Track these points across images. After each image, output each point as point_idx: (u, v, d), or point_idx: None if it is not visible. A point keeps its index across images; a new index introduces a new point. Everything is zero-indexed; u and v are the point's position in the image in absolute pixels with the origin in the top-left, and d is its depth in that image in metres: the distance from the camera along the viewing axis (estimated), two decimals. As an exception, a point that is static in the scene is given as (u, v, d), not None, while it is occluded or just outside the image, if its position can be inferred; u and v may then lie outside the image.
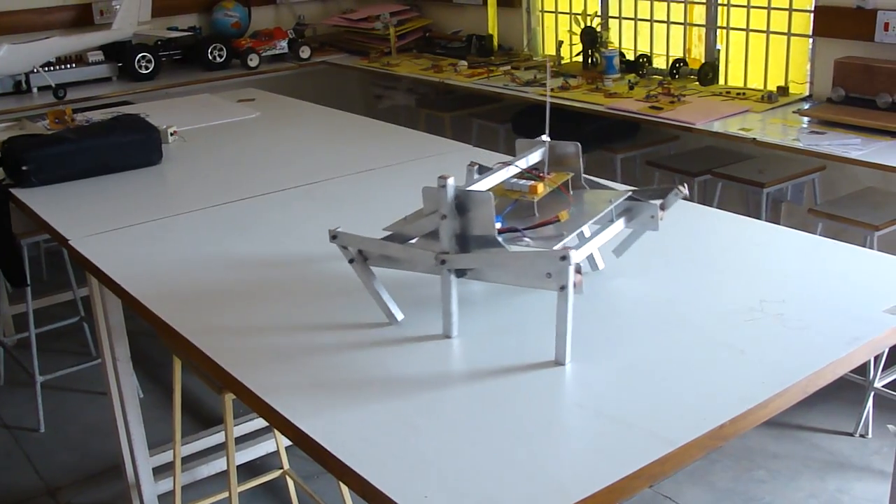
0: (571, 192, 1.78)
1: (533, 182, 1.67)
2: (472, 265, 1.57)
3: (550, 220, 1.64)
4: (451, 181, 1.54)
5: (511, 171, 1.72)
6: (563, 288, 1.46)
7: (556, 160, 1.81)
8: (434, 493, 1.19)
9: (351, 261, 1.69)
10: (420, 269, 1.63)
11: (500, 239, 1.54)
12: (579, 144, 1.80)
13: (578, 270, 1.47)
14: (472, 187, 1.60)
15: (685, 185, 1.79)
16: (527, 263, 1.51)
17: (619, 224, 1.76)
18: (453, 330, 1.61)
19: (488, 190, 1.61)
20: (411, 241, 1.66)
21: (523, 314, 1.69)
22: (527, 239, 1.62)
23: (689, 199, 1.91)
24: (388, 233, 1.70)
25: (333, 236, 1.68)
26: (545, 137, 1.82)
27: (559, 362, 1.50)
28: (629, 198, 1.77)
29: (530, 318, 1.67)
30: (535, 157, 1.80)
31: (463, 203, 1.55)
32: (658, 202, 1.77)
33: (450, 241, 1.56)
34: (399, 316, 1.69)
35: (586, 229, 1.75)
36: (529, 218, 1.68)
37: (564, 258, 1.44)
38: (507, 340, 1.60)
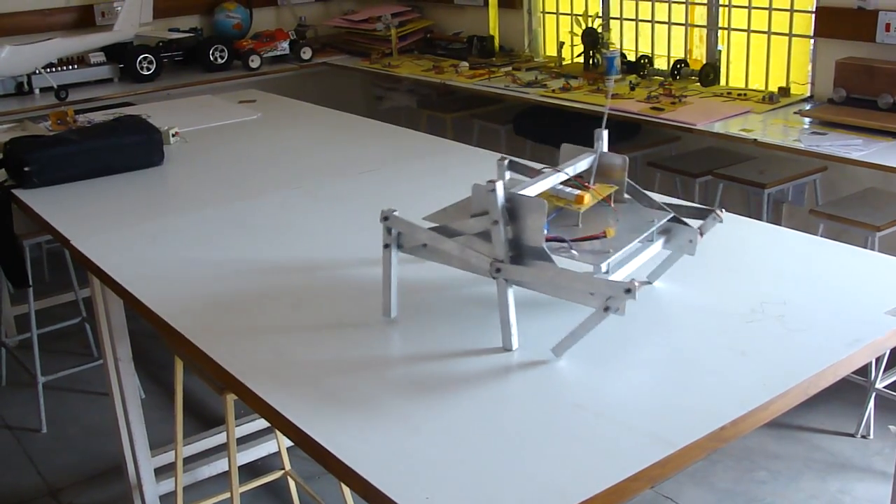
0: (614, 206, 1.75)
1: (580, 192, 1.65)
2: (527, 279, 1.56)
3: (597, 235, 1.63)
4: (500, 184, 1.51)
5: (559, 177, 1.70)
6: (607, 310, 1.46)
7: (603, 171, 1.77)
8: (435, 494, 1.19)
9: (387, 245, 1.68)
10: (457, 265, 1.63)
11: (547, 250, 1.52)
12: (627, 158, 1.77)
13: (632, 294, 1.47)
14: (523, 192, 1.57)
15: (723, 210, 1.77)
16: (588, 287, 1.49)
17: (658, 246, 1.73)
18: (514, 342, 1.57)
19: (537, 196, 1.59)
20: (459, 237, 1.64)
21: (520, 313, 1.69)
22: (573, 251, 1.60)
23: (691, 199, 1.91)
24: (431, 223, 1.69)
25: (385, 217, 1.67)
26: (604, 146, 1.79)
27: (557, 356, 1.51)
28: (669, 218, 1.75)
29: (524, 319, 1.67)
30: (582, 166, 1.76)
31: (514, 208, 1.53)
32: (695, 224, 1.74)
33: (504, 248, 1.54)
34: (394, 313, 1.69)
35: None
36: (573, 227, 1.67)
37: (629, 291, 1.43)
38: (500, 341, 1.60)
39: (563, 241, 1.61)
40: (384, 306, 1.70)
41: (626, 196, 1.78)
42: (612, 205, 1.74)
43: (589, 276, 1.52)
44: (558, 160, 1.77)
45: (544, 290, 1.57)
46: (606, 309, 1.46)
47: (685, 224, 1.74)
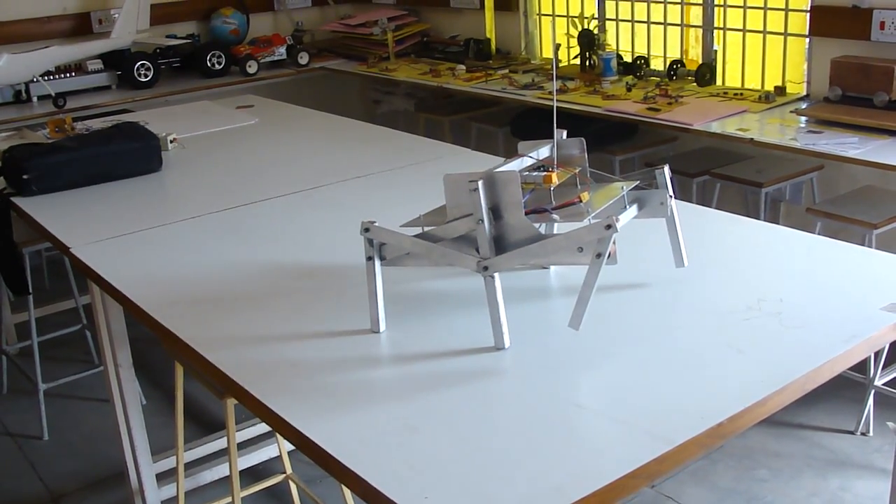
0: (578, 185, 1.78)
1: (547, 172, 1.68)
2: (515, 262, 1.58)
3: (573, 200, 1.65)
4: (482, 182, 1.53)
5: (525, 162, 1.74)
6: (598, 256, 1.49)
7: (563, 159, 1.82)
8: (434, 493, 1.20)
9: (370, 258, 1.67)
10: (443, 263, 1.64)
11: (528, 220, 1.55)
12: (584, 140, 1.81)
13: (613, 241, 1.51)
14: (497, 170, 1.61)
15: (666, 166, 1.80)
16: (571, 241, 1.52)
17: (633, 210, 1.76)
18: (505, 341, 1.58)
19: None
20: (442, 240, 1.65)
21: (519, 311, 1.70)
22: (554, 216, 1.63)
23: (688, 199, 1.92)
24: (415, 229, 1.69)
25: (366, 229, 1.66)
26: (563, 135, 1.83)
27: (573, 327, 1.51)
28: (637, 187, 1.79)
29: (525, 313, 1.68)
30: (543, 153, 1.80)
31: (490, 187, 1.55)
32: (665, 189, 1.78)
33: (488, 245, 1.55)
34: (382, 327, 1.68)
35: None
36: (548, 205, 1.68)
37: (609, 227, 1.47)
38: (512, 342, 1.60)
39: (542, 210, 1.63)
40: (372, 321, 1.69)
41: (589, 178, 1.82)
42: (579, 186, 1.78)
43: (569, 231, 1.54)
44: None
45: (536, 264, 1.59)
46: (599, 255, 1.48)
47: (653, 189, 1.78)
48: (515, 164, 1.73)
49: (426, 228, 1.67)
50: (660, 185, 1.78)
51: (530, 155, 1.75)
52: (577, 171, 1.78)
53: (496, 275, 1.56)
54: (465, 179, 1.56)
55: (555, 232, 1.74)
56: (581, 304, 1.51)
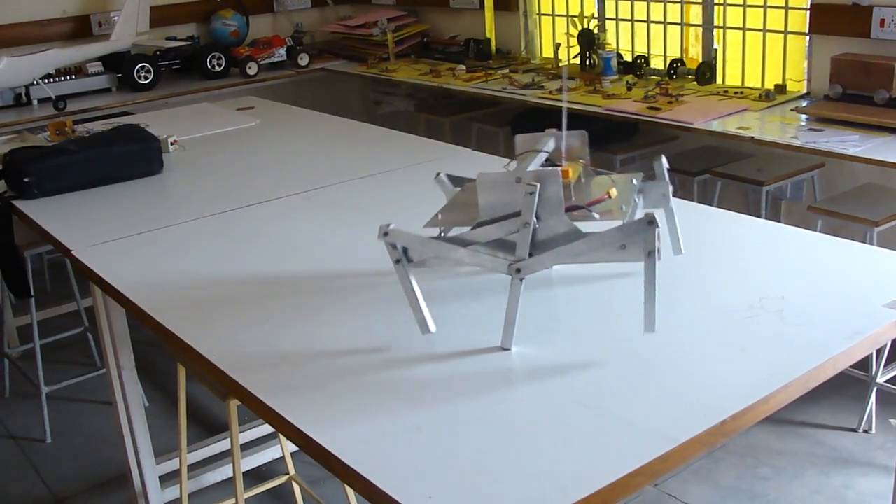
0: (583, 180, 1.79)
1: (563, 167, 1.67)
2: (551, 263, 1.56)
3: (602, 197, 1.65)
4: (538, 188, 1.50)
5: (541, 156, 1.72)
6: (650, 254, 1.47)
7: (566, 152, 1.81)
8: (437, 493, 1.20)
9: (397, 261, 1.59)
10: (487, 268, 1.61)
11: (573, 223, 1.53)
12: (585, 133, 1.80)
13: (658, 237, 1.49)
14: (531, 168, 1.58)
15: (662, 156, 1.81)
16: (609, 240, 1.50)
17: (641, 203, 1.77)
18: (511, 341, 1.57)
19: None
20: (474, 245, 1.60)
21: (524, 310, 1.70)
22: (595, 214, 1.60)
23: (689, 198, 1.92)
24: (432, 230, 1.67)
25: (385, 233, 1.57)
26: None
27: (648, 330, 1.51)
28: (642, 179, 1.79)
29: (527, 313, 1.68)
30: (550, 145, 1.79)
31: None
32: (665, 180, 1.78)
33: (526, 248, 1.53)
34: (432, 328, 1.60)
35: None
36: (569, 201, 1.64)
37: (651, 222, 1.45)
38: (515, 341, 1.60)
39: (579, 207, 1.61)
40: (419, 323, 1.61)
41: (591, 170, 1.82)
42: (582, 179, 1.77)
43: (611, 229, 1.51)
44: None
45: (573, 261, 1.56)
46: (650, 254, 1.46)
47: (654, 181, 1.79)
48: (533, 161, 1.70)
49: (453, 232, 1.64)
50: (658, 176, 1.78)
51: (545, 150, 1.73)
52: (584, 163, 1.78)
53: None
54: (506, 180, 1.53)
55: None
56: (650, 304, 1.49)
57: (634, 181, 1.76)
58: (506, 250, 1.56)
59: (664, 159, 1.78)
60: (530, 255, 1.54)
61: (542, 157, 1.72)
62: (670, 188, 1.78)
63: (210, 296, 1.92)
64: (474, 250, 1.59)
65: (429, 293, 1.63)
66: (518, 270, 1.53)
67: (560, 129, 1.79)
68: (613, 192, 1.66)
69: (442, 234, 1.71)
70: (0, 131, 3.92)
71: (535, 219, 1.52)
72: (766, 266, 1.88)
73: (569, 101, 4.15)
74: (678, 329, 1.63)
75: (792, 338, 1.56)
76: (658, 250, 1.47)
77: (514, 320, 1.56)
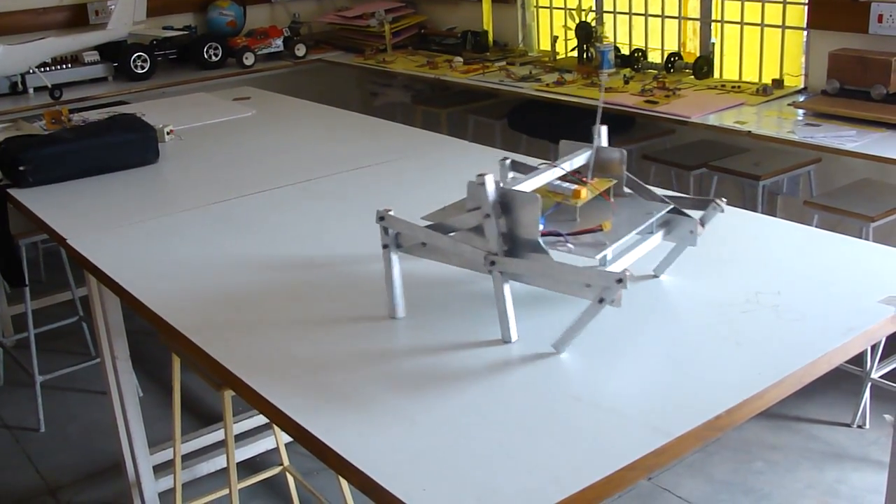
0: (613, 200, 1.75)
1: (577, 186, 1.65)
2: (521, 271, 1.56)
3: (593, 228, 1.63)
4: (489, 177, 1.52)
5: (556, 172, 1.69)
6: (601, 301, 1.46)
7: (601, 165, 1.76)
8: (432, 485, 1.20)
9: (385, 246, 1.68)
10: (466, 265, 1.62)
11: (543, 245, 1.52)
12: (624, 152, 1.76)
13: (623, 287, 1.46)
14: (519, 187, 1.58)
15: (724, 199, 1.76)
16: (581, 279, 1.49)
17: (658, 238, 1.73)
18: (513, 334, 1.58)
19: (533, 191, 1.58)
20: (452, 234, 1.64)
21: (525, 308, 1.70)
22: (570, 245, 1.60)
23: (685, 191, 1.92)
24: (428, 222, 1.68)
25: (381, 217, 1.67)
26: (603, 140, 1.79)
27: (558, 351, 1.51)
28: (670, 210, 1.74)
29: (529, 309, 1.68)
30: (579, 161, 1.75)
31: (508, 203, 1.53)
32: (697, 216, 1.74)
33: (497, 241, 1.54)
34: (401, 314, 1.68)
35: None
36: (571, 222, 1.66)
37: (620, 281, 1.43)
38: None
39: (559, 234, 1.61)
40: (389, 307, 1.69)
41: (626, 190, 1.77)
42: (612, 199, 1.74)
43: (582, 268, 1.52)
44: (556, 156, 1.77)
45: (541, 284, 1.57)
46: (601, 300, 1.46)
47: (685, 215, 1.74)
48: (550, 174, 1.69)
49: (437, 221, 1.67)
50: (706, 220, 1.73)
51: (562, 167, 1.70)
52: (613, 182, 1.74)
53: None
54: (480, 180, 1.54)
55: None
56: (571, 332, 1.51)
57: (653, 212, 1.71)
58: (483, 243, 1.58)
59: (720, 208, 1.74)
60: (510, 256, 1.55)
61: (557, 172, 1.70)
62: (700, 229, 1.73)
63: (205, 286, 1.92)
64: (456, 239, 1.61)
65: (430, 286, 1.63)
66: (493, 263, 1.55)
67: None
68: (607, 224, 1.64)
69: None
70: (-5, 120, 3.91)
71: (499, 212, 1.53)
72: (761, 261, 1.88)
73: (566, 95, 4.15)
74: (673, 323, 1.63)
75: (787, 333, 1.56)
76: (615, 300, 1.46)
77: (506, 312, 1.57)
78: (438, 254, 1.66)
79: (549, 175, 1.69)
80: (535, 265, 1.53)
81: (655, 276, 1.80)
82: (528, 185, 1.63)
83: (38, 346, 3.70)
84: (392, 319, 1.69)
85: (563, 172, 1.70)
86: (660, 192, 1.79)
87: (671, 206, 1.73)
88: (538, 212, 1.51)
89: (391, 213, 1.67)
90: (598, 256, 1.58)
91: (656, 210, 1.72)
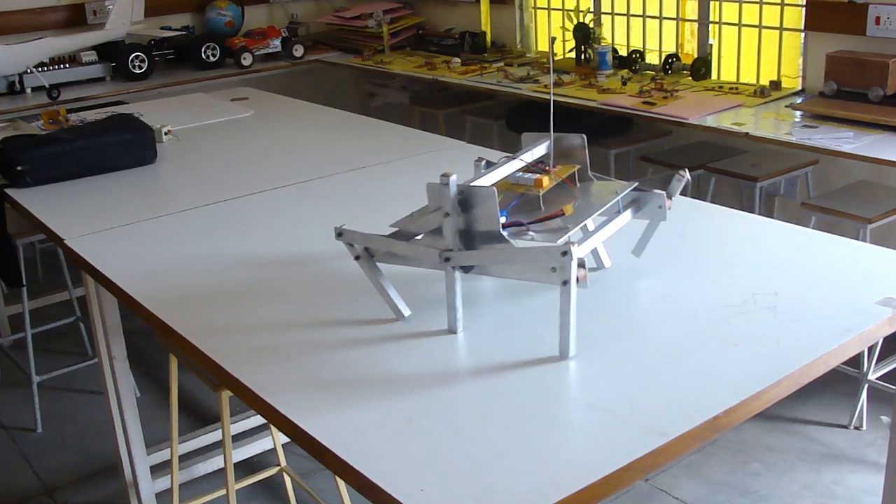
0: (578, 185, 1.77)
1: (538, 175, 1.67)
2: (477, 262, 1.57)
3: (555, 213, 1.64)
4: (453, 178, 1.53)
5: (516, 164, 1.71)
6: (565, 283, 1.45)
7: (562, 153, 1.80)
8: (430, 486, 1.20)
9: (357, 258, 1.68)
10: (427, 265, 1.63)
11: (504, 234, 1.53)
12: (585, 136, 1.78)
13: (582, 265, 1.47)
14: (476, 182, 1.60)
15: (685, 170, 1.78)
16: (530, 259, 1.50)
17: (626, 216, 1.75)
18: (458, 325, 1.61)
19: (493, 185, 1.60)
20: (417, 238, 1.66)
21: (528, 309, 1.70)
22: (531, 233, 1.60)
23: (683, 193, 1.92)
24: (395, 229, 1.69)
25: (339, 234, 1.67)
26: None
27: (563, 356, 1.50)
28: (635, 188, 1.76)
29: (533, 312, 1.68)
30: (540, 151, 1.78)
31: (467, 199, 1.54)
32: (663, 192, 1.76)
33: (454, 238, 1.56)
34: (406, 312, 1.68)
35: (591, 223, 1.75)
36: (535, 212, 1.67)
37: (566, 253, 1.43)
38: (506, 335, 1.60)
39: (520, 224, 1.61)
40: (393, 311, 1.69)
41: (591, 174, 1.79)
42: (577, 184, 1.76)
43: (529, 248, 1.51)
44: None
45: (502, 273, 1.58)
46: (565, 283, 1.45)
47: (650, 191, 1.76)
48: (509, 167, 1.71)
49: (401, 227, 1.68)
50: (672, 192, 1.76)
51: (521, 157, 1.73)
52: (576, 168, 1.76)
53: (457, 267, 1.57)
54: (440, 186, 1.55)
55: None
56: (563, 331, 1.49)
57: (618, 191, 1.73)
58: (440, 240, 1.59)
59: (684, 179, 1.76)
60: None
61: (516, 164, 1.72)
62: (668, 202, 1.75)
63: (203, 286, 1.92)
64: (413, 242, 1.63)
65: (429, 293, 1.63)
66: (447, 259, 1.56)
67: (552, 126, 1.79)
68: (568, 208, 1.65)
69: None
70: (-7, 119, 3.90)
71: (458, 211, 1.54)
72: (759, 262, 1.88)
73: (564, 96, 4.14)
74: (671, 324, 1.63)
75: (785, 334, 1.56)
76: (579, 279, 1.45)
77: (454, 305, 1.59)
78: (402, 259, 1.67)
79: (508, 168, 1.71)
80: (489, 252, 1.55)
81: (636, 256, 1.82)
82: (488, 178, 1.65)
83: (35, 346, 3.70)
84: (383, 318, 1.69)
85: (521, 164, 1.72)
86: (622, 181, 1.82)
87: (635, 185, 1.76)
88: (496, 205, 1.52)
89: (345, 226, 1.67)
90: (561, 240, 1.55)
91: (620, 189, 1.74)
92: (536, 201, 1.69)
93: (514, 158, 1.73)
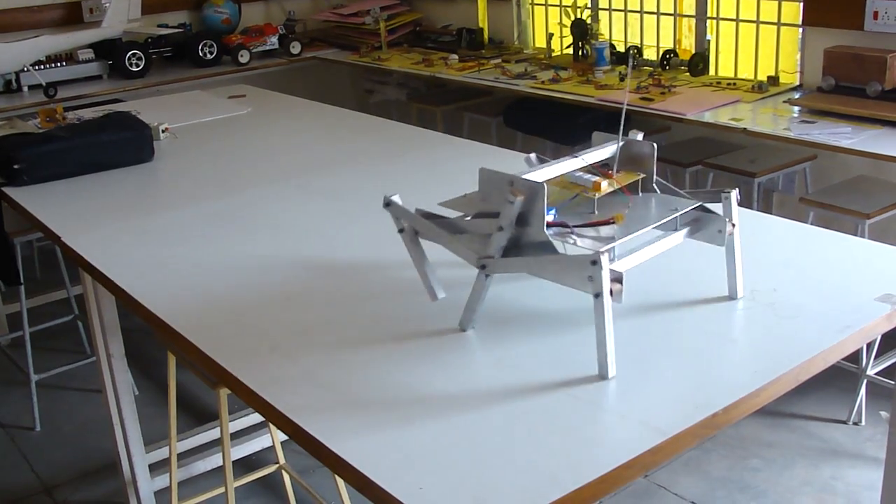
0: (640, 195, 1.69)
1: (597, 179, 1.59)
2: (513, 270, 1.53)
3: (605, 221, 1.56)
4: (519, 200, 1.46)
5: (576, 163, 1.64)
6: (597, 296, 1.39)
7: (630, 159, 1.70)
8: (428, 484, 1.20)
9: (401, 231, 1.65)
10: (463, 258, 1.59)
11: (548, 233, 1.47)
12: (655, 145, 1.69)
13: (619, 279, 1.39)
14: (529, 175, 1.53)
15: (738, 188, 1.67)
16: (562, 266, 1.43)
17: (680, 235, 1.64)
18: (469, 325, 1.59)
19: (547, 181, 1.52)
20: (466, 220, 1.61)
21: (532, 308, 1.69)
22: (574, 237, 1.52)
23: (682, 188, 1.91)
24: (443, 210, 1.66)
25: (387, 203, 1.64)
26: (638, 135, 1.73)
27: (602, 376, 1.43)
28: (697, 207, 1.66)
29: (538, 311, 1.68)
30: (605, 153, 1.69)
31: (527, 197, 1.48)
32: (722, 215, 1.65)
33: (497, 250, 1.51)
34: (440, 294, 1.64)
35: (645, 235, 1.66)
36: (587, 215, 1.60)
37: (595, 263, 1.37)
38: (511, 335, 1.60)
39: (566, 226, 1.54)
40: (427, 290, 1.64)
41: (656, 186, 1.70)
42: (640, 194, 1.68)
43: (560, 257, 1.45)
44: (558, 151, 1.75)
45: (538, 274, 1.52)
46: (597, 296, 1.39)
47: (713, 213, 1.65)
48: (570, 164, 1.64)
49: (454, 216, 1.64)
50: (723, 211, 1.64)
51: (582, 157, 1.65)
52: (640, 176, 1.68)
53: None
54: (502, 181, 1.49)
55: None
56: (601, 347, 1.42)
57: (678, 208, 1.63)
58: (483, 245, 1.54)
59: (734, 194, 1.63)
60: (505, 255, 1.52)
61: (577, 162, 1.64)
62: (730, 227, 1.63)
63: (200, 284, 1.91)
64: (455, 238, 1.59)
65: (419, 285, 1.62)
66: (483, 266, 1.53)
67: (637, 132, 1.73)
68: (621, 218, 1.57)
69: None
70: (-10, 118, 3.89)
71: (512, 224, 1.49)
72: (757, 258, 1.88)
73: (561, 92, 4.14)
74: (669, 320, 1.62)
75: (784, 330, 1.56)
76: (613, 293, 1.39)
77: (473, 307, 1.57)
78: (443, 243, 1.63)
79: (567, 165, 1.63)
80: (525, 261, 1.51)
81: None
82: (541, 174, 1.58)
83: (33, 344, 3.70)
84: (382, 315, 1.69)
85: (583, 163, 1.65)
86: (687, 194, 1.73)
87: (698, 203, 1.65)
88: (544, 203, 1.45)
89: (395, 197, 1.65)
90: (604, 249, 1.46)
91: (681, 206, 1.64)
92: (591, 205, 1.61)
93: (575, 157, 1.65)
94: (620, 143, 1.70)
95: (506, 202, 1.47)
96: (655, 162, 1.70)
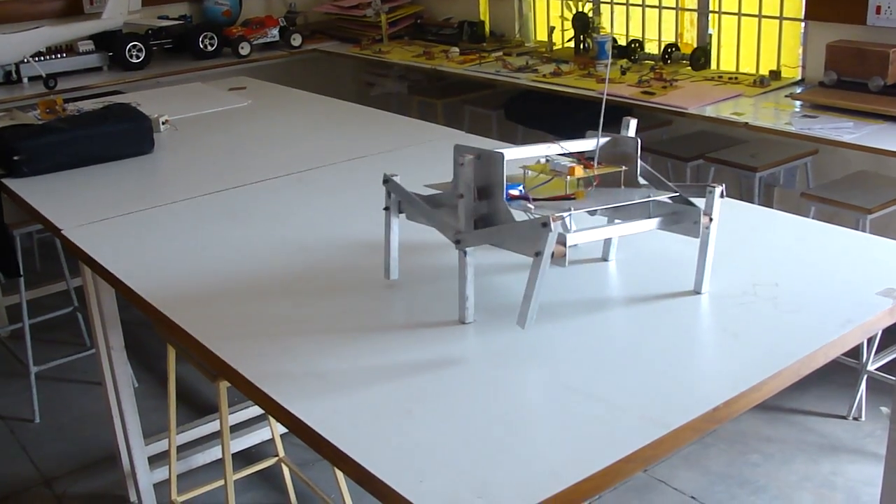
0: (623, 187, 1.71)
1: (574, 164, 1.64)
2: (484, 242, 1.58)
3: (566, 196, 1.63)
4: (469, 158, 1.54)
5: (554, 149, 1.69)
6: (537, 254, 1.45)
7: (617, 157, 1.73)
8: (429, 477, 1.19)
9: (386, 208, 1.76)
10: (448, 237, 1.63)
11: (509, 205, 1.55)
12: (639, 140, 1.73)
13: (563, 242, 1.45)
14: (500, 150, 1.59)
15: (723, 185, 1.69)
16: (517, 231, 1.51)
17: (651, 223, 1.67)
18: (468, 316, 1.59)
19: (527, 166, 1.63)
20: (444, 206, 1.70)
21: (547, 303, 1.69)
22: (530, 205, 1.58)
23: (683, 181, 1.90)
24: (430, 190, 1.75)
25: (386, 180, 1.76)
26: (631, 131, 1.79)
27: (520, 324, 1.49)
28: (671, 197, 1.68)
29: (551, 308, 1.67)
30: (588, 145, 1.73)
31: (482, 164, 1.56)
32: (701, 207, 1.65)
33: (467, 221, 1.57)
34: (394, 276, 1.75)
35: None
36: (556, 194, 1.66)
37: (545, 225, 1.44)
38: (510, 327, 1.59)
39: (527, 199, 1.60)
40: (385, 268, 1.76)
41: (640, 180, 1.73)
42: (622, 186, 1.72)
43: (515, 222, 1.53)
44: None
45: (511, 247, 1.57)
46: (537, 254, 1.45)
47: (690, 205, 1.67)
48: (545, 148, 1.69)
49: (436, 192, 1.72)
50: (705, 204, 1.65)
51: (561, 143, 1.70)
52: (621, 169, 1.71)
53: (469, 250, 1.56)
54: (462, 152, 1.56)
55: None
56: (525, 302, 1.48)
57: (649, 195, 1.67)
58: (457, 219, 1.61)
59: (719, 190, 1.65)
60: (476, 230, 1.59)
61: (555, 148, 1.70)
62: (706, 220, 1.64)
63: (200, 276, 1.91)
64: (435, 213, 1.66)
65: (427, 274, 1.62)
66: (458, 242, 1.57)
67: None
68: (581, 195, 1.64)
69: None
70: (-10, 109, 3.89)
71: (474, 193, 1.56)
72: (759, 253, 1.88)
73: (563, 85, 4.13)
74: (670, 314, 1.62)
75: (785, 325, 1.55)
76: (555, 255, 1.45)
77: (465, 295, 1.59)
78: (431, 223, 1.70)
79: (544, 149, 1.69)
80: (491, 231, 1.57)
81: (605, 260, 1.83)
82: (520, 151, 1.66)
83: (32, 336, 3.70)
84: (384, 308, 1.69)
85: (559, 150, 1.70)
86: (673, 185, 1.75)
87: (671, 193, 1.68)
88: (502, 171, 1.54)
89: (396, 177, 1.76)
90: (556, 216, 1.47)
91: (654, 194, 1.69)
92: (564, 187, 1.66)
93: (554, 143, 1.70)
94: (606, 139, 1.76)
95: (459, 167, 1.56)
96: (639, 157, 1.74)
